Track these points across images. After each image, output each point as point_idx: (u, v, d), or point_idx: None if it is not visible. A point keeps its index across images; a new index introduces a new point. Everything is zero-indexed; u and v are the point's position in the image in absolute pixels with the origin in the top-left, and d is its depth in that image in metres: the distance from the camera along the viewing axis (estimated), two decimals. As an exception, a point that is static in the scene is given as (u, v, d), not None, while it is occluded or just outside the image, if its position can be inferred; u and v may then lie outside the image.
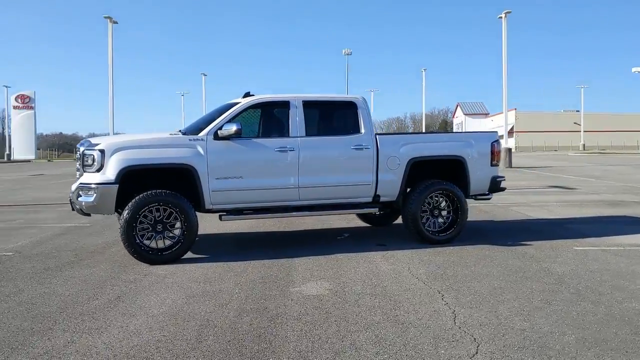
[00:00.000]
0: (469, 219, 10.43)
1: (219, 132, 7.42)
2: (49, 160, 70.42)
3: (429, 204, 8.30)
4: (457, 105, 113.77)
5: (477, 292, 5.66)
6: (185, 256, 7.48)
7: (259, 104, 7.92)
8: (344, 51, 70.40)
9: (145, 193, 7.07)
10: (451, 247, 7.96)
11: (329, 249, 7.95)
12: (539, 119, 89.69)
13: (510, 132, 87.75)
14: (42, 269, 6.91)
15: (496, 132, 9.19)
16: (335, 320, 4.84)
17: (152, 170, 7.26)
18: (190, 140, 7.38)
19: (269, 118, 8.14)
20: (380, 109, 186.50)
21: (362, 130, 8.08)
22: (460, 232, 8.41)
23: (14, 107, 75.51)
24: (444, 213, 8.40)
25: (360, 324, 4.73)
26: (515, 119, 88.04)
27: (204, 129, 7.56)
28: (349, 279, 6.24)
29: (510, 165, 30.97)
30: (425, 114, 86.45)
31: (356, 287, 5.89)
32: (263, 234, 9.59)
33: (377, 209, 8.41)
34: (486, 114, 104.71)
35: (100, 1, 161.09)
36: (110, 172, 7.05)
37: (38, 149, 77.45)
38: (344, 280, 6.21)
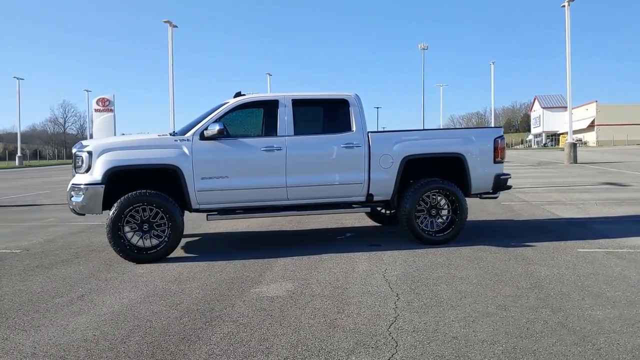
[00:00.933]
0: (487, 218, 10.13)
1: (204, 132, 7.48)
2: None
3: (425, 203, 8.02)
4: (535, 99, 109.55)
5: (437, 296, 5.41)
6: (174, 255, 7.61)
7: (247, 104, 7.91)
8: (420, 45, 69.74)
9: (131, 193, 7.23)
10: (446, 248, 7.66)
11: (320, 248, 7.83)
12: (622, 111, 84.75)
13: (591, 126, 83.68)
14: (33, 267, 7.21)
15: (501, 127, 8.74)
16: (270, 323, 4.76)
17: (138, 170, 7.41)
18: (175, 141, 7.48)
19: (258, 118, 8.13)
20: (458, 104, 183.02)
21: (354, 128, 7.91)
22: (459, 232, 8.07)
23: (95, 110, 79.51)
24: (442, 212, 8.10)
25: (291, 327, 4.62)
26: (597, 111, 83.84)
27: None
28: (316, 280, 6.12)
29: (575, 161, 29.51)
30: (507, 108, 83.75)
31: (316, 289, 5.77)
32: (265, 233, 9.58)
33: (381, 207, 8.22)
34: (565, 107, 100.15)
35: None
36: (97, 172, 7.26)
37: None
38: (310, 281, 6.10)
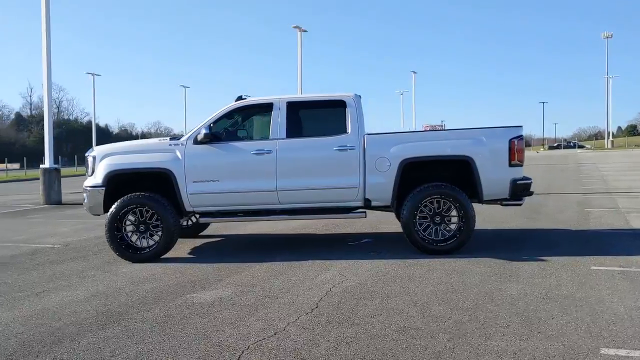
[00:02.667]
0: (548, 226, 9.18)
1: (198, 136, 7.61)
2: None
3: (429, 209, 7.41)
4: None
5: (351, 312, 4.99)
6: (175, 255, 7.85)
7: (243, 108, 7.90)
8: (603, 34, 66.05)
9: (126, 196, 7.59)
10: (440, 260, 7.01)
11: (315, 254, 7.59)
12: None
13: None
14: (46, 261, 7.84)
15: (519, 126, 7.76)
16: (159, 327, 4.72)
17: (135, 174, 7.75)
18: (170, 145, 7.70)
19: (253, 121, 8.08)
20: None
21: (349, 130, 7.55)
22: (465, 241, 7.34)
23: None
24: (449, 220, 7.43)
25: (169, 333, 4.55)
26: None
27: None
28: (261, 288, 5.93)
29: None
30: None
31: (249, 297, 5.60)
32: (283, 236, 9.51)
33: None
34: None
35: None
36: (99, 176, 7.73)
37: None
38: (255, 289, 5.93)
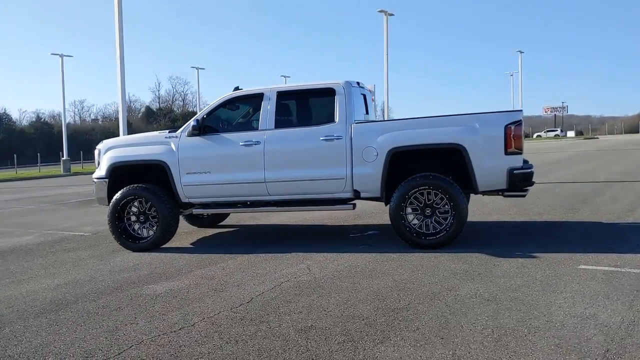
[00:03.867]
0: (562, 219, 8.55)
1: (189, 129, 7.72)
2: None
3: (419, 201, 7.02)
4: None
5: (274, 309, 4.83)
6: (176, 245, 8.07)
7: (234, 99, 7.89)
8: None
9: (126, 187, 7.87)
10: (420, 254, 6.65)
11: (305, 246, 7.47)
12: None
13: None
14: (61, 249, 8.32)
15: (517, 110, 7.06)
16: (84, 318, 4.86)
17: (134, 166, 8.00)
18: (166, 137, 7.87)
19: (245, 112, 8.03)
20: None
21: (336, 119, 7.31)
22: (455, 235, 6.87)
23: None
24: (439, 213, 6.99)
25: (85, 325, 4.66)
26: None
27: None
28: (220, 282, 5.89)
29: None
30: None
31: (197, 290, 5.58)
32: (290, 227, 9.41)
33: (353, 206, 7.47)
34: None
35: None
36: (103, 168, 8.07)
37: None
38: (214, 282, 5.90)
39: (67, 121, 48.03)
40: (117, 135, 19.17)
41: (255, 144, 7.46)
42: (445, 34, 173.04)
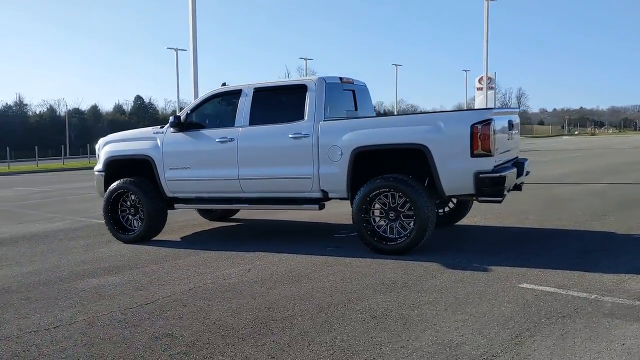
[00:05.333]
0: (575, 227, 7.91)
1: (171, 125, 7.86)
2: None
3: (383, 204, 6.66)
4: None
5: (161, 313, 4.82)
6: (167, 237, 8.27)
7: (216, 95, 7.89)
8: None
9: (118, 181, 8.18)
10: (371, 260, 6.33)
11: (275, 245, 7.32)
12: None
13: None
14: (66, 237, 8.80)
15: (487, 109, 6.40)
16: (4, 309, 5.15)
17: (125, 160, 8.28)
18: (154, 133, 8.07)
19: (224, 108, 7.97)
20: None
21: (305, 117, 7.10)
22: (417, 242, 6.43)
23: (477, 89, 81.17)
24: (404, 217, 6.58)
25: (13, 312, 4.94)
26: None
27: None
28: (156, 279, 5.98)
29: None
30: None
31: (125, 287, 5.70)
32: (291, 224, 9.26)
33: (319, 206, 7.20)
34: None
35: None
36: (100, 162, 8.46)
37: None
38: (149, 278, 5.99)
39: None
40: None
41: (230, 141, 7.44)
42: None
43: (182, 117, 7.81)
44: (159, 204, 8.02)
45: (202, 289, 5.47)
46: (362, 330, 4.19)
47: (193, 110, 7.89)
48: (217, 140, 7.53)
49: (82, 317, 4.79)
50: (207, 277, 5.92)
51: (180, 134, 7.81)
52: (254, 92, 7.50)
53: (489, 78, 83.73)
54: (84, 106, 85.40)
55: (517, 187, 7.29)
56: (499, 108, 7.00)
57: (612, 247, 6.60)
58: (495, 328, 4.12)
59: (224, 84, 8.08)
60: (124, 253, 7.37)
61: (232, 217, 10.02)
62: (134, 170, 8.29)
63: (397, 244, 6.53)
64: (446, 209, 8.23)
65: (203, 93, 8.41)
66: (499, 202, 6.63)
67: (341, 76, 7.67)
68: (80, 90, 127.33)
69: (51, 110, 79.09)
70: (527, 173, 7.87)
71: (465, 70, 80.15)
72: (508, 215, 9.05)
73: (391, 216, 6.63)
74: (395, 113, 66.49)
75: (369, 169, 6.88)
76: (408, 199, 6.43)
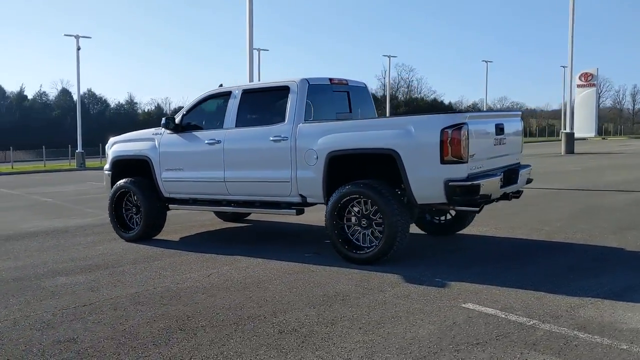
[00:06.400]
0: (587, 241, 7.24)
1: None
2: (603, 138, 67.09)
3: (357, 211, 6.39)
4: None
5: (82, 316, 4.87)
6: (168, 237, 8.40)
7: (210, 97, 7.88)
8: None
9: (121, 180, 8.39)
10: (334, 269, 6.10)
11: (263, 251, 7.23)
12: None
13: None
14: (84, 234, 9.15)
15: (459, 112, 5.92)
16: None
17: (127, 160, 8.48)
18: (153, 134, 8.20)
19: (216, 110, 7.93)
20: None
21: (286, 119, 6.94)
22: (386, 252, 6.12)
23: (578, 86, 76.49)
24: (376, 225, 6.28)
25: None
26: None
27: None
28: (119, 280, 6.06)
29: None
30: None
31: (84, 286, 5.83)
32: (300, 227, 9.04)
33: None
34: None
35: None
36: (108, 161, 8.73)
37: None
38: (112, 279, 6.07)
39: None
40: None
41: (217, 143, 7.43)
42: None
43: (177, 119, 7.89)
44: (157, 203, 8.15)
45: (146, 294, 5.48)
46: (256, 346, 4.02)
47: (188, 111, 7.95)
48: (206, 142, 7.54)
49: (15, 315, 4.93)
50: (164, 281, 5.92)
51: (175, 135, 7.89)
52: (242, 93, 7.45)
53: (590, 75, 79.62)
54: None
55: (512, 196, 6.75)
56: (478, 111, 6.47)
57: (602, 266, 5.97)
58: (392, 352, 3.81)
59: (220, 86, 8.07)
60: (115, 252, 7.55)
61: (246, 218, 10.03)
62: (137, 170, 8.47)
63: (366, 253, 6.25)
64: (448, 216, 7.80)
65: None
66: (476, 212, 6.21)
67: (331, 77, 7.45)
68: (185, 89, 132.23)
69: (158, 108, 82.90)
70: (530, 181, 7.32)
71: (563, 67, 76.33)
72: (523, 225, 8.44)
73: (363, 224, 6.36)
74: (484, 110, 64.38)
75: (348, 173, 6.64)
76: (377, 206, 6.13)
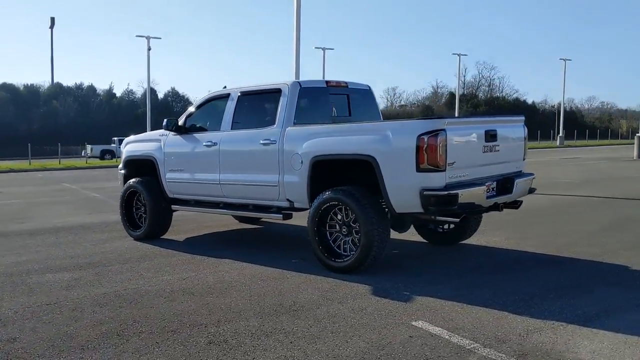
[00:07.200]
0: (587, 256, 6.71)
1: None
2: None
3: (338, 218, 6.22)
4: None
5: (37, 313, 4.99)
6: (175, 237, 8.52)
7: (209, 99, 7.92)
8: None
9: (131, 180, 8.58)
10: (315, 277, 5.96)
11: (252, 255, 7.18)
12: None
13: None
14: (102, 231, 9.45)
15: (437, 118, 5.56)
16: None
17: (137, 160, 8.65)
18: (160, 135, 8.33)
19: (216, 112, 7.90)
20: None
21: (276, 122, 6.85)
22: (363, 261, 5.91)
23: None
24: (355, 232, 6.09)
25: None
26: None
27: None
28: (105, 279, 6.18)
29: None
30: None
31: (60, 284, 5.99)
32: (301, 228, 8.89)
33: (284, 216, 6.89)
34: None
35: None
36: (122, 161, 8.95)
37: None
38: (88, 279, 6.10)
39: (380, 107, 51.64)
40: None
41: (214, 145, 7.45)
42: None
43: (181, 121, 7.97)
44: (162, 204, 8.27)
45: (112, 295, 5.54)
46: (175, 356, 3.96)
47: (192, 113, 8.03)
48: (204, 144, 7.58)
49: (-20, 311, 5.11)
50: (138, 283, 5.98)
51: (178, 136, 7.98)
52: (239, 96, 7.43)
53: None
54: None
55: (503, 207, 6.36)
56: (464, 117, 6.11)
57: (591, 285, 5.50)
58: (303, 371, 3.65)
59: (224, 87, 8.08)
60: (117, 250, 7.71)
61: (261, 220, 10.01)
62: (146, 170, 8.63)
63: (344, 262, 6.07)
64: (451, 225, 7.46)
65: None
66: (456, 222, 5.90)
67: (328, 79, 7.30)
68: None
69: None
70: (532, 190, 6.88)
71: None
72: (537, 237, 7.94)
73: (344, 231, 6.18)
74: (560, 111, 61.47)
75: (334, 179, 6.47)
76: (354, 213, 5.94)
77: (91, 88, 62.02)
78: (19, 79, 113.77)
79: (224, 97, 7.72)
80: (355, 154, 6.02)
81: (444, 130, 5.51)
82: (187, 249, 7.64)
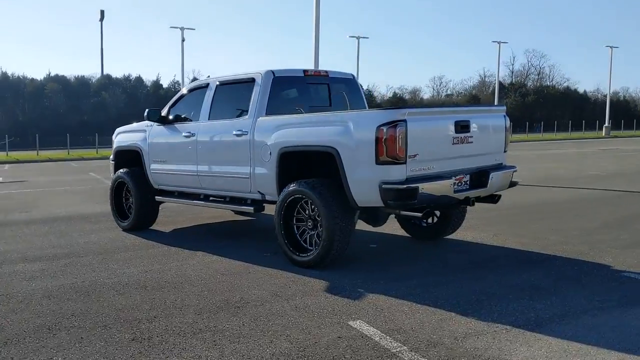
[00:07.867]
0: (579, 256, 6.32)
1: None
2: None
3: (305, 211, 6.03)
4: None
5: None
6: (162, 228, 8.49)
7: (191, 89, 7.80)
8: None
9: (119, 170, 8.58)
10: (271, 270, 5.81)
11: (231, 248, 7.10)
12: None
13: None
14: (100, 220, 9.53)
15: (397, 108, 5.26)
16: None
17: (126, 151, 8.63)
18: (146, 126, 8.27)
19: (196, 102, 7.75)
20: None
21: (248, 113, 6.69)
22: (325, 256, 5.73)
23: None
24: (320, 226, 5.88)
25: None
26: None
27: None
28: (66, 270, 6.19)
29: None
30: None
31: (25, 274, 6.01)
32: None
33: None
34: None
35: None
36: (112, 151, 8.96)
37: None
38: (57, 270, 6.15)
39: (425, 97, 50.30)
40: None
41: (192, 136, 7.36)
42: None
43: (164, 111, 7.90)
44: (147, 195, 8.23)
45: (66, 287, 5.49)
46: (90, 353, 3.87)
47: (174, 103, 7.94)
48: (183, 134, 7.50)
49: None
50: (100, 275, 5.92)
51: (162, 127, 7.92)
52: (217, 85, 7.30)
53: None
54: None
55: (474, 201, 6.04)
56: (429, 107, 5.79)
57: (558, 286, 5.15)
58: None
59: (208, 77, 7.97)
60: (100, 241, 7.71)
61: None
62: (134, 161, 8.61)
63: (308, 257, 5.89)
64: (435, 219, 7.17)
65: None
66: (419, 217, 5.64)
67: (306, 69, 7.09)
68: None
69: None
70: (514, 184, 6.52)
71: None
72: (530, 233, 7.55)
73: (309, 225, 5.99)
74: (606, 100, 59.16)
75: (303, 171, 6.28)
76: (315, 207, 5.74)
77: (139, 79, 62.97)
78: (70, 70, 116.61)
79: (204, 87, 7.60)
80: (317, 145, 5.82)
81: (404, 121, 5.25)
82: (168, 241, 7.58)
